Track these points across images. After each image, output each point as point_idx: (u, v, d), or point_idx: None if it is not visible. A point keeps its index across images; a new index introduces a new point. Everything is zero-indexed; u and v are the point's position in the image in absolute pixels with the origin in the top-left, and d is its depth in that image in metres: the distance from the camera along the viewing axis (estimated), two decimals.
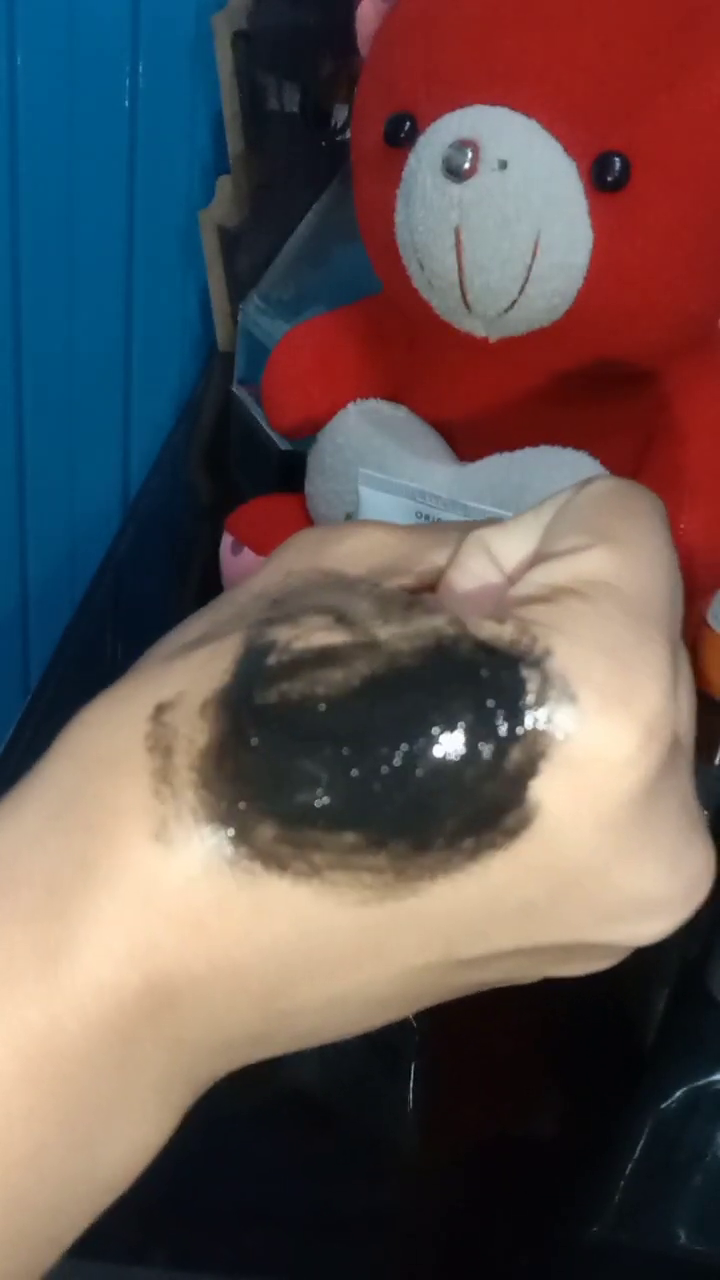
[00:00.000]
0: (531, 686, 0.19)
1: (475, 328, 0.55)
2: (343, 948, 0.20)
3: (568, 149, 0.51)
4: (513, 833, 0.19)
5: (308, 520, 0.66)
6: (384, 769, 0.19)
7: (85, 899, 0.19)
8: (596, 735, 0.19)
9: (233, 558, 0.67)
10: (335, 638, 0.20)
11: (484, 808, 0.19)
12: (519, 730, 0.19)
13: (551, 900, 0.20)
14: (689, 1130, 0.47)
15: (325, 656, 0.19)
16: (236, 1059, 0.22)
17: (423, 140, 0.52)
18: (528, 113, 0.51)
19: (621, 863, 0.20)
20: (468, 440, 0.61)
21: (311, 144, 1.00)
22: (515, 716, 0.19)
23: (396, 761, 0.19)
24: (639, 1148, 0.46)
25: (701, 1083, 0.49)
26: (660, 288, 0.54)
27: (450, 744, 0.19)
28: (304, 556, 0.23)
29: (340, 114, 0.98)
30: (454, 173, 0.50)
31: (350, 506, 0.61)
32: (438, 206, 0.52)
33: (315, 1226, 0.42)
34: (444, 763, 0.19)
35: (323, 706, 0.19)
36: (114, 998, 0.19)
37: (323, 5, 0.95)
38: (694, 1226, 0.43)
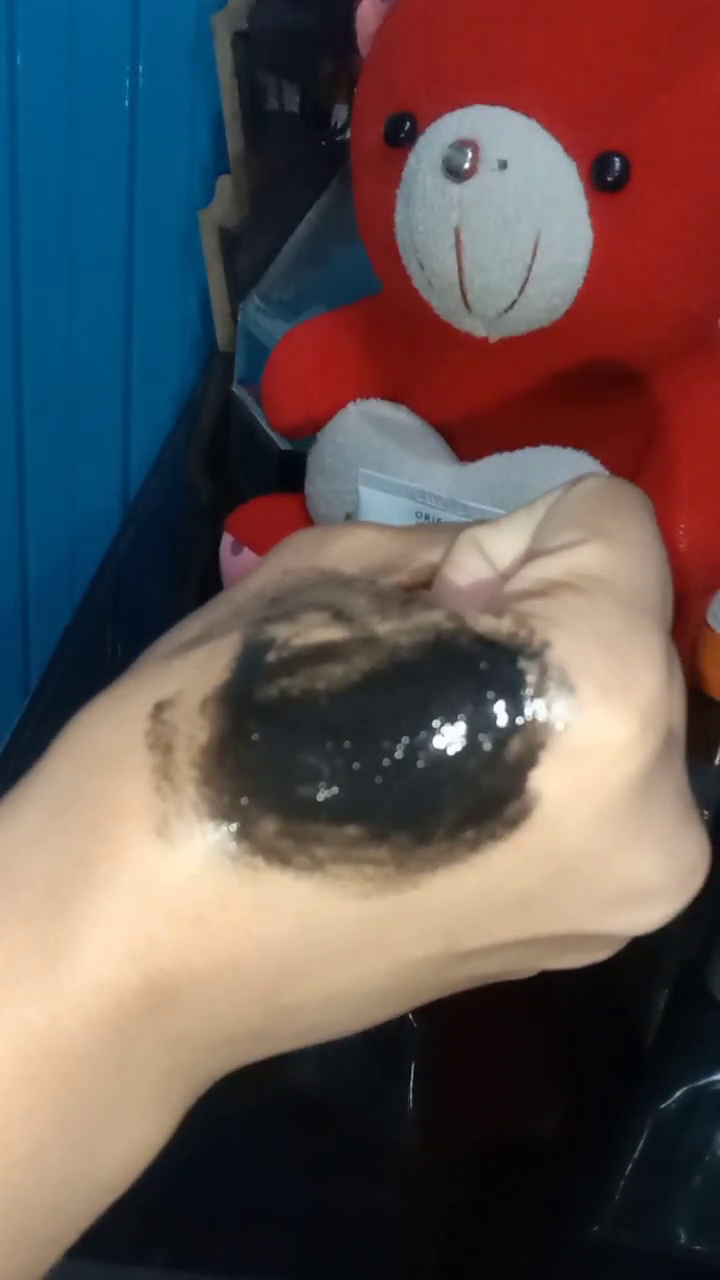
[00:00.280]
0: (530, 678, 0.19)
1: (475, 328, 0.55)
2: (344, 941, 0.20)
3: (568, 149, 0.51)
4: (513, 823, 0.19)
5: (308, 520, 0.66)
6: (385, 762, 0.19)
7: (85, 897, 0.19)
8: (595, 725, 0.19)
9: (233, 558, 0.67)
10: (334, 634, 0.20)
11: (485, 799, 0.19)
12: (519, 721, 0.19)
13: (551, 890, 0.20)
14: (689, 1130, 0.47)
15: (325, 652, 0.20)
16: (237, 1057, 0.22)
17: (423, 140, 0.52)
18: (528, 113, 0.51)
19: (620, 851, 0.20)
20: (468, 440, 0.61)
21: (311, 144, 1.00)
22: (515, 708, 0.19)
23: (398, 754, 0.19)
24: (639, 1148, 0.46)
25: (701, 1083, 0.49)
26: (660, 288, 0.54)
27: (451, 736, 0.19)
28: (300, 556, 0.23)
29: (340, 114, 0.98)
30: (454, 173, 0.50)
31: (350, 506, 0.61)
32: (438, 206, 0.52)
33: (315, 1226, 0.42)
34: (445, 755, 0.19)
35: (323, 701, 0.19)
36: (114, 996, 0.19)
37: (323, 5, 0.96)
38: (694, 1226, 0.43)
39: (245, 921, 0.19)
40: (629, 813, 0.20)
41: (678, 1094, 0.48)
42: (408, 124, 0.54)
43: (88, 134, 1.06)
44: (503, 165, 0.50)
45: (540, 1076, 0.49)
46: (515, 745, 0.19)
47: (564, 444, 0.57)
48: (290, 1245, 0.42)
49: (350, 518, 0.61)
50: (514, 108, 0.51)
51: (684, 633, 0.61)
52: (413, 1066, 0.48)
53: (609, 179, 0.51)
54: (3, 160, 1.05)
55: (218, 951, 0.19)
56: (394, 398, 0.63)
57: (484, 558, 0.23)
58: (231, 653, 0.20)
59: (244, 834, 0.19)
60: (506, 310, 0.54)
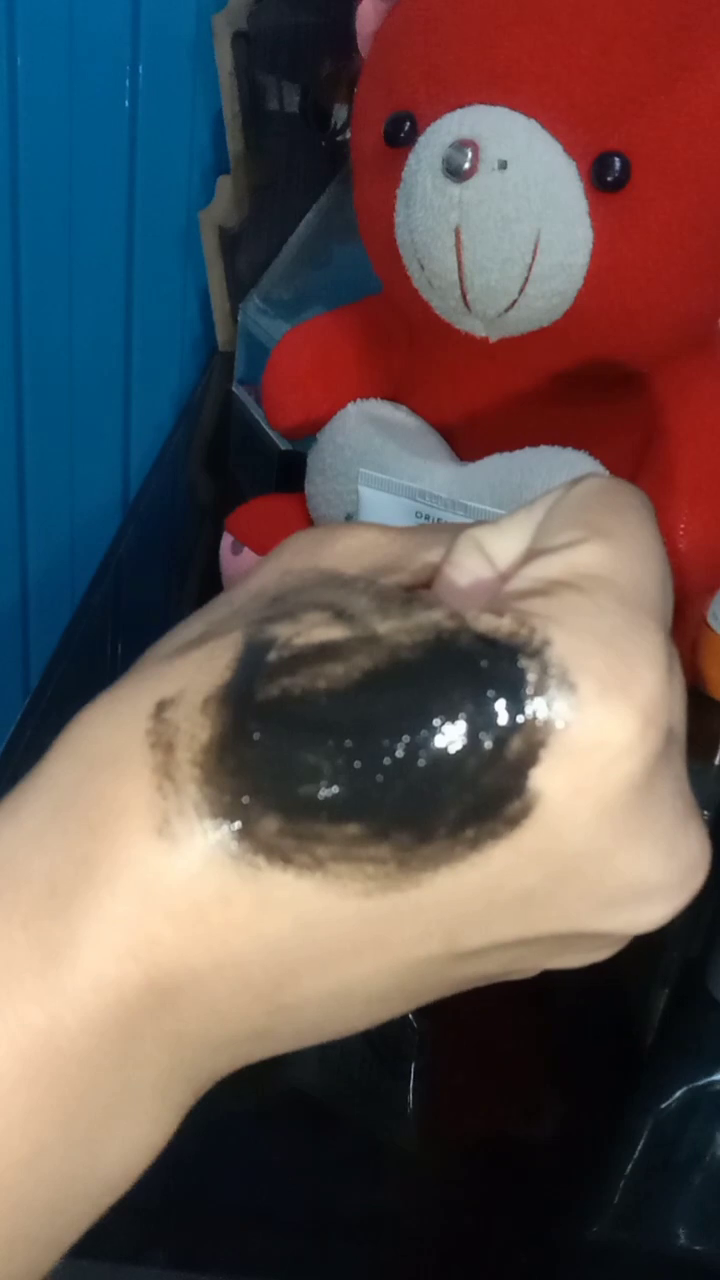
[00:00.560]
0: (531, 677, 0.19)
1: (475, 328, 0.55)
2: (345, 940, 0.20)
3: (568, 149, 0.51)
4: (514, 821, 0.19)
5: (308, 520, 0.66)
6: (386, 760, 0.19)
7: (86, 897, 0.19)
8: (596, 723, 0.19)
9: (233, 557, 0.67)
10: (335, 633, 0.20)
11: (486, 797, 0.19)
12: (519, 719, 0.19)
13: (551, 889, 0.20)
14: (689, 1130, 0.47)
15: (326, 651, 0.20)
16: (238, 1056, 0.22)
17: (423, 140, 0.52)
18: (528, 113, 0.51)
19: (621, 848, 0.20)
20: (468, 440, 0.61)
21: (311, 144, 1.00)
22: (515, 706, 0.19)
23: (399, 753, 0.19)
24: (639, 1148, 0.46)
25: (701, 1083, 0.49)
26: (660, 288, 0.54)
27: (452, 734, 0.19)
28: (300, 557, 0.23)
29: (340, 114, 0.98)
30: (454, 173, 0.50)
31: (350, 506, 0.61)
32: (438, 206, 0.52)
33: (315, 1226, 0.42)
34: (446, 753, 0.19)
35: (324, 700, 0.19)
36: (115, 995, 0.19)
37: (323, 5, 0.96)
38: (694, 1226, 0.43)
39: (246, 920, 0.19)
40: (630, 810, 0.20)
41: (678, 1094, 0.48)
42: (408, 124, 0.54)
43: (88, 134, 1.06)
44: (503, 165, 0.50)
45: (540, 1077, 0.49)
46: (516, 744, 0.19)
47: (564, 444, 0.57)
48: (290, 1245, 0.42)
49: (350, 518, 0.61)
50: (514, 108, 0.51)
51: (684, 633, 0.61)
52: (413, 1066, 0.48)
53: (609, 179, 0.51)
54: (3, 160, 1.05)
55: (219, 950, 0.19)
56: (394, 398, 0.63)
57: (484, 557, 0.23)
58: (233, 652, 0.20)
59: (245, 833, 0.19)
60: (506, 310, 0.54)
